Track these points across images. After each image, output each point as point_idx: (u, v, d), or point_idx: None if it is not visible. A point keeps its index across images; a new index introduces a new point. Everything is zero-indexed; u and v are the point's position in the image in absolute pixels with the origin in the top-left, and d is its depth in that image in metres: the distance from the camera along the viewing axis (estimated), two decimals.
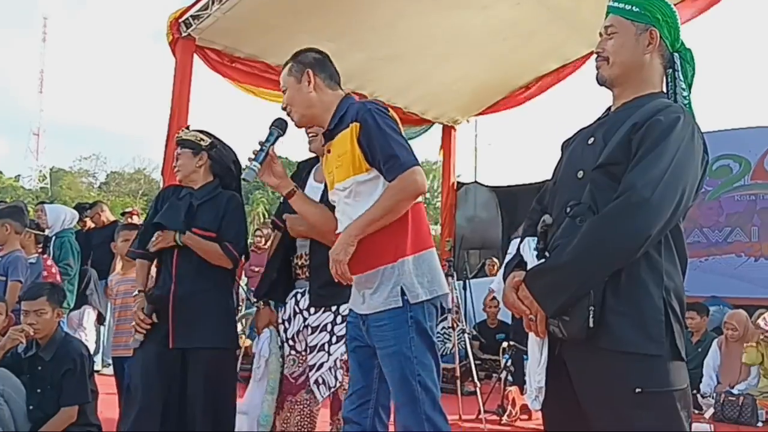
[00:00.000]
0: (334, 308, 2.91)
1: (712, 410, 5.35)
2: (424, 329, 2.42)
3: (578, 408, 1.88)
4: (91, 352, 6.62)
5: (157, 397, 3.02)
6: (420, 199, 2.48)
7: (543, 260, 1.91)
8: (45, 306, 3.54)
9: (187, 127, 3.34)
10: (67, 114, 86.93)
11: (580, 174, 1.94)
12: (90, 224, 7.52)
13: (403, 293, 2.38)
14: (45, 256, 5.27)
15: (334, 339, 2.85)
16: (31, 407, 3.46)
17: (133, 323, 3.11)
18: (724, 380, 5.72)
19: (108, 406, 4.42)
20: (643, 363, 1.77)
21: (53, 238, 6.13)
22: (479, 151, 13.88)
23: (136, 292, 3.21)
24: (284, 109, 2.65)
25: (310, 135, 3.01)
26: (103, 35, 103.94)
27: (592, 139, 1.98)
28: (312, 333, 2.92)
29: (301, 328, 2.98)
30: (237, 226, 3.19)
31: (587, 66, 7.87)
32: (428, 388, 2.41)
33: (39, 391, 3.49)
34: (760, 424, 5.17)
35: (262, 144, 2.64)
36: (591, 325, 1.76)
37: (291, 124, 2.69)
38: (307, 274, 2.96)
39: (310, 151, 3.09)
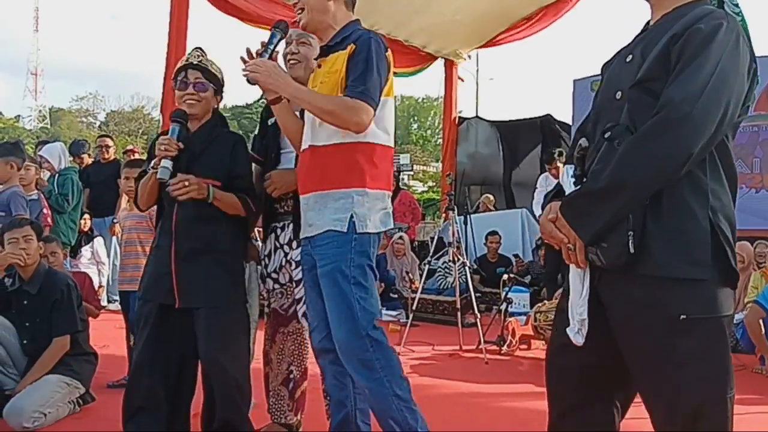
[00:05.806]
0: None
1: None
2: (366, 253, 2.45)
3: (608, 341, 1.78)
4: (104, 285, 6.77)
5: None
6: (370, 140, 2.45)
7: (579, 186, 1.82)
8: (31, 233, 3.50)
9: (200, 49, 2.90)
10: (65, 53, 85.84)
11: (618, 95, 1.81)
12: (87, 161, 7.51)
13: (352, 220, 2.41)
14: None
15: None
16: (25, 341, 3.48)
17: (162, 148, 2.70)
18: None
19: (115, 342, 4.50)
20: (687, 288, 1.67)
21: (56, 175, 6.16)
22: (481, 86, 13.78)
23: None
24: (296, 5, 2.58)
25: (290, 62, 2.91)
26: None
27: (630, 56, 1.84)
28: (296, 267, 2.88)
29: (283, 263, 2.96)
30: (250, 174, 2.93)
31: None
32: (367, 310, 2.41)
33: (28, 324, 3.48)
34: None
35: (265, 45, 2.55)
36: (631, 250, 1.66)
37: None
38: (287, 207, 2.92)
39: (291, 76, 2.74)
